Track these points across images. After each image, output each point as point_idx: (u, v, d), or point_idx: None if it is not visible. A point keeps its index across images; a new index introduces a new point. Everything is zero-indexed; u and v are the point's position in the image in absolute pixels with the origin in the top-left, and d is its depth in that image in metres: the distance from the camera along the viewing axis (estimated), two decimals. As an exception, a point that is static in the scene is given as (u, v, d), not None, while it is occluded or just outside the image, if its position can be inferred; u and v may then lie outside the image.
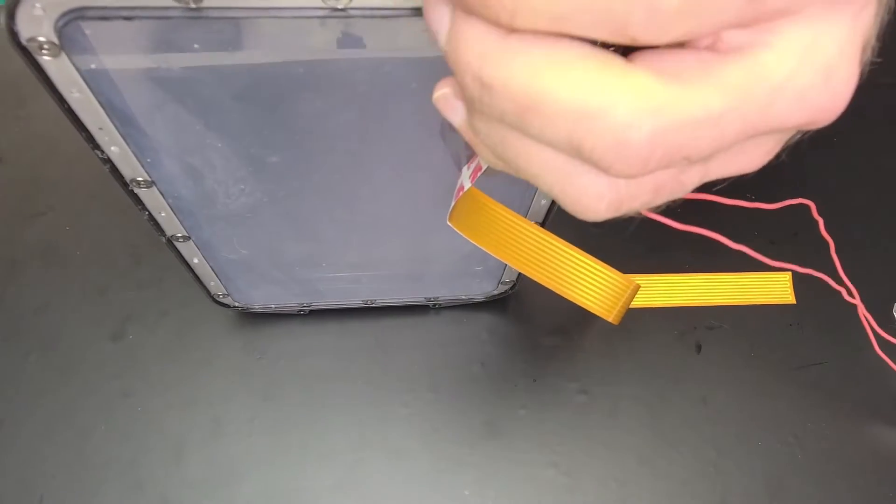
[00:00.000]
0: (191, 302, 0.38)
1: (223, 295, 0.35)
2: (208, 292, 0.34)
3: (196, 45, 0.18)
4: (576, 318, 0.39)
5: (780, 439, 0.35)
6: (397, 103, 0.22)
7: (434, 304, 0.38)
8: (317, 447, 0.34)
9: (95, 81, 0.19)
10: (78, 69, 0.18)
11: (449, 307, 0.39)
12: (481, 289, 0.37)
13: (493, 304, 0.39)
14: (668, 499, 0.33)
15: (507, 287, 0.37)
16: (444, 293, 0.37)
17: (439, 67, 0.20)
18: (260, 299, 0.36)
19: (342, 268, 0.34)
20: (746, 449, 0.35)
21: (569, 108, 0.13)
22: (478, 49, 0.13)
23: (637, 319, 0.39)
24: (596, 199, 0.15)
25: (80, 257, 0.41)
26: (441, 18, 0.14)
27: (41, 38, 0.17)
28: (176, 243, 0.29)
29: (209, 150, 0.23)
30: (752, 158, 0.16)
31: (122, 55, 0.19)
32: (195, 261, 0.31)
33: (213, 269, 0.32)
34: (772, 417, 0.36)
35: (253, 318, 0.38)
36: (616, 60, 0.13)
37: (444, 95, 0.16)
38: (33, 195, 0.43)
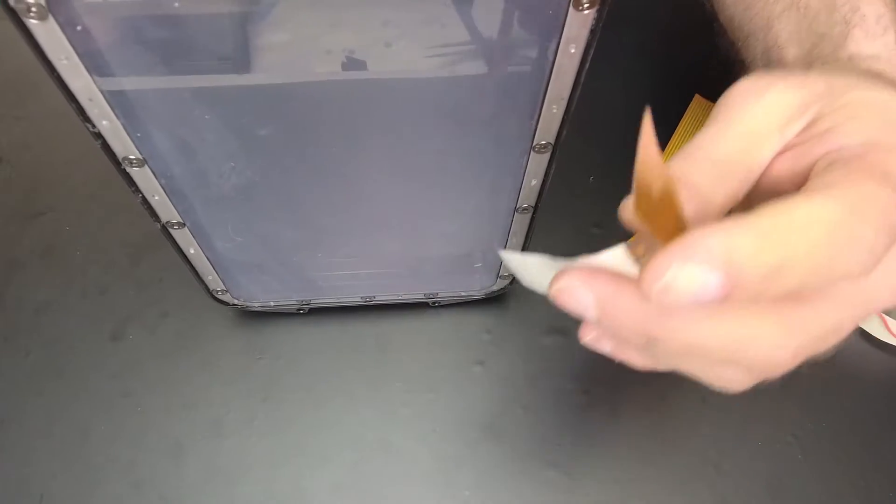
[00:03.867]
0: (191, 302, 0.38)
1: (222, 291, 0.35)
2: (207, 288, 0.34)
3: (176, 4, 0.18)
4: (576, 318, 0.39)
5: (780, 439, 0.35)
6: (395, 110, 0.23)
7: (433, 302, 0.38)
8: (317, 447, 0.34)
9: (83, 46, 0.19)
10: (65, 33, 0.19)
11: (448, 305, 0.39)
12: (480, 284, 0.37)
13: (493, 303, 0.39)
14: (668, 499, 0.33)
15: (505, 282, 0.37)
16: (443, 289, 0.37)
17: (433, 85, 0.21)
18: (259, 296, 0.36)
19: (339, 259, 0.34)
20: (746, 449, 0.35)
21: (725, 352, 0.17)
22: (641, 315, 0.18)
23: (637, 319, 0.39)
24: (738, 384, 0.19)
25: (80, 257, 0.41)
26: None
27: (29, 0, 0.17)
28: (171, 230, 0.29)
29: (199, 123, 0.23)
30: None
31: (109, 18, 0.19)
32: (191, 251, 0.31)
33: (210, 262, 0.32)
34: (772, 417, 0.36)
35: (252, 318, 0.38)
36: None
37: (593, 340, 0.23)
38: (33, 195, 0.43)
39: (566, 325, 0.39)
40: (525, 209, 0.30)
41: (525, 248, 0.33)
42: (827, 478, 0.34)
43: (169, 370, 0.36)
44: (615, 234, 0.42)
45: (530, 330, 0.38)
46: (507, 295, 0.39)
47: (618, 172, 0.45)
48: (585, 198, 0.44)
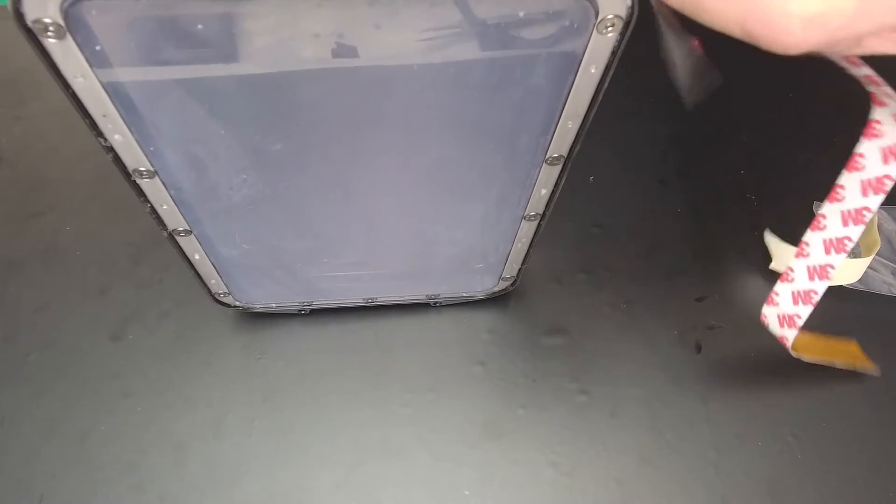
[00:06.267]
0: (191, 302, 0.38)
1: (224, 294, 0.35)
2: (209, 291, 0.34)
3: (200, 27, 0.18)
4: (576, 319, 0.39)
5: (780, 439, 0.35)
6: (395, 103, 0.23)
7: (435, 302, 0.38)
8: (317, 447, 0.34)
9: (100, 66, 0.19)
10: (83, 52, 0.19)
11: (449, 305, 0.39)
12: (482, 285, 0.37)
13: (494, 304, 0.39)
14: (668, 499, 0.33)
15: (507, 283, 0.37)
16: (445, 290, 0.37)
17: (430, 71, 0.21)
18: (261, 298, 0.36)
19: (343, 264, 0.34)
20: (746, 449, 0.35)
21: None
22: None
23: (637, 319, 0.39)
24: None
25: (80, 257, 0.41)
26: None
27: (47, 20, 0.17)
28: (178, 238, 0.29)
29: (212, 139, 0.23)
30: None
31: (126, 39, 0.19)
32: (196, 257, 0.31)
33: (214, 266, 0.32)
34: (772, 417, 0.36)
35: (253, 318, 0.38)
36: None
37: None
38: (33, 195, 0.43)
39: (566, 325, 0.39)
40: (533, 216, 0.30)
41: (529, 252, 0.33)
42: (827, 478, 0.34)
43: (169, 370, 0.36)
44: (615, 234, 0.42)
45: (530, 330, 0.38)
46: (508, 295, 0.39)
47: (618, 172, 0.45)
48: (585, 198, 0.44)
